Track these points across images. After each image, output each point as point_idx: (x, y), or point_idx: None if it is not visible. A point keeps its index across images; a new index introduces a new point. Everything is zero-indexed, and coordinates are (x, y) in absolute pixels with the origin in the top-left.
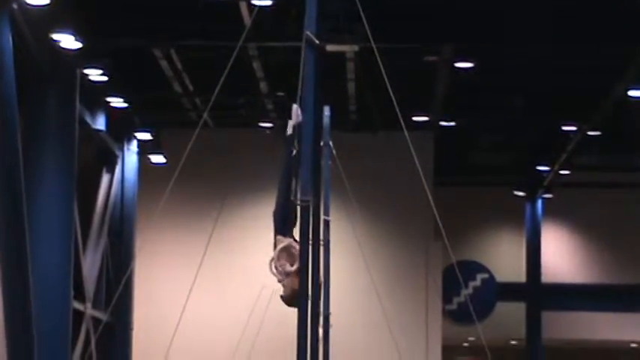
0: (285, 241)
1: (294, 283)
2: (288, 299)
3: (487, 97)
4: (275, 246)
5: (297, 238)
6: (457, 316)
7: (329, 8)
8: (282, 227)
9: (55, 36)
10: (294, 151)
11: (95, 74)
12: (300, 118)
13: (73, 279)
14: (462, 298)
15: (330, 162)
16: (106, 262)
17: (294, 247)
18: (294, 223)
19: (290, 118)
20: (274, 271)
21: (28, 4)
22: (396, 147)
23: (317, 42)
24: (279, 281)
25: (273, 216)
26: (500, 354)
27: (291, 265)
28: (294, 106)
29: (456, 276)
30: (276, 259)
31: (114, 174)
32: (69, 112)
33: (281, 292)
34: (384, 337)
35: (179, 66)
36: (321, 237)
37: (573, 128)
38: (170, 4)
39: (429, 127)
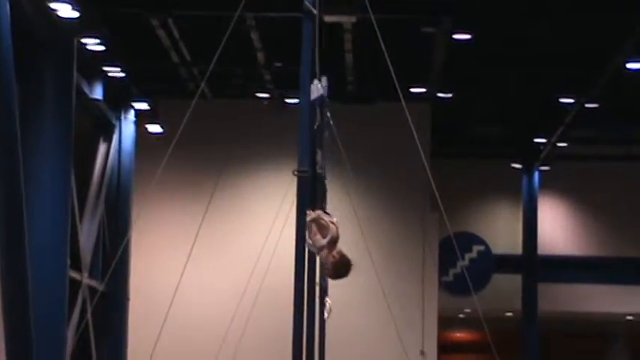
0: (313, 214)
1: (329, 256)
2: (330, 273)
3: (485, 68)
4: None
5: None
6: (453, 287)
7: None
8: (311, 201)
9: (53, 5)
10: (316, 124)
11: (92, 43)
12: (322, 91)
13: (70, 248)
14: (458, 270)
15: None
16: (102, 231)
17: (323, 218)
18: (323, 195)
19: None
20: (309, 244)
21: None
22: (393, 118)
23: (315, 12)
24: (317, 254)
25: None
26: (495, 325)
27: (323, 237)
28: (315, 81)
29: (453, 247)
30: (308, 233)
31: (111, 143)
32: (66, 82)
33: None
34: (380, 309)
35: (176, 35)
36: None
37: (571, 100)
38: None
39: (426, 98)
